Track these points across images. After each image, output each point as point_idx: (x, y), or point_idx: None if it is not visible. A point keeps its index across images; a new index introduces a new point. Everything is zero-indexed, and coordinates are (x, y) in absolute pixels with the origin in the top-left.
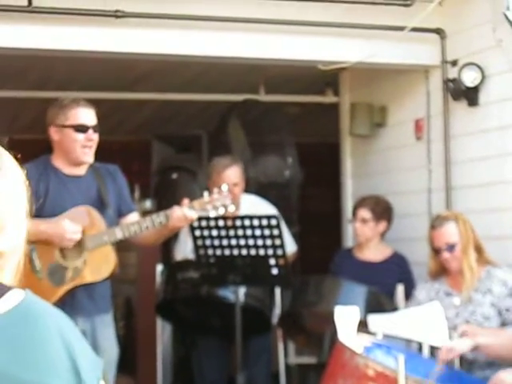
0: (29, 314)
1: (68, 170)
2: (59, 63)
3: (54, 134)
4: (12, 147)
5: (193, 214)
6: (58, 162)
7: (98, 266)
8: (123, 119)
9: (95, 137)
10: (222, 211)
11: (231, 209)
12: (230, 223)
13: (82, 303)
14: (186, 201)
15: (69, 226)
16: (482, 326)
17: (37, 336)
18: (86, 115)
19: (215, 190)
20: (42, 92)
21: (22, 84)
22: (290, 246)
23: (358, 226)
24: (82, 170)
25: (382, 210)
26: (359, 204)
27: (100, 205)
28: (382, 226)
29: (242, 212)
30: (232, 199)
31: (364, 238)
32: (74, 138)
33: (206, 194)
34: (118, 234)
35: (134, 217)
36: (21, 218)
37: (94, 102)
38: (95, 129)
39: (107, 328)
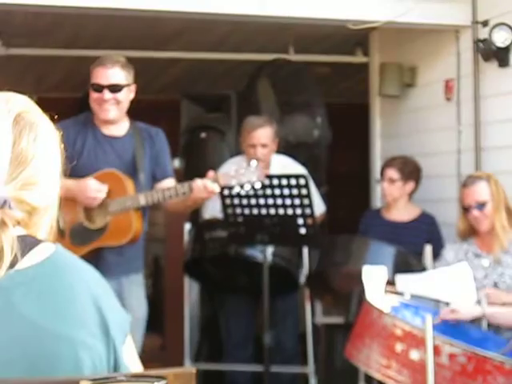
0: (59, 267)
1: (107, 129)
2: (88, 21)
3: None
4: (41, 106)
5: (215, 187)
6: (97, 119)
7: (119, 230)
8: (152, 78)
9: (109, 96)
10: (247, 187)
11: (257, 185)
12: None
13: (109, 263)
14: (211, 173)
15: (93, 184)
16: (511, 287)
17: (66, 288)
18: (103, 74)
19: (243, 164)
20: (70, 50)
21: (51, 42)
22: (319, 207)
23: (386, 186)
24: (121, 131)
25: (410, 171)
26: (387, 164)
27: (133, 168)
28: (410, 186)
29: (272, 172)
30: (258, 160)
31: (391, 197)
32: (92, 98)
33: (233, 168)
34: (142, 200)
35: (168, 183)
36: (54, 176)
37: None
38: (113, 88)
39: (136, 287)
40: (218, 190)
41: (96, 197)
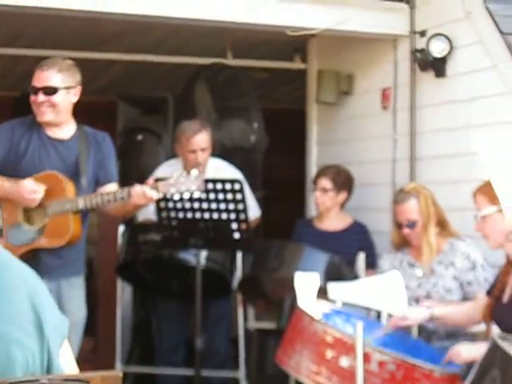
0: None
1: (52, 132)
2: (28, 20)
3: None
4: None
5: (154, 194)
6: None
7: (56, 233)
8: (89, 79)
9: (42, 98)
10: (186, 196)
11: (196, 195)
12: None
13: (48, 265)
14: (150, 180)
15: (30, 185)
16: (444, 298)
17: (3, 286)
18: (38, 77)
19: (183, 173)
20: (9, 49)
21: None
22: (254, 211)
23: (319, 196)
24: (66, 134)
25: (343, 181)
26: (320, 173)
27: (76, 172)
28: (343, 196)
29: (207, 175)
30: (197, 166)
31: (324, 207)
32: (31, 100)
33: (174, 174)
34: (80, 203)
35: (111, 187)
36: None
37: None
38: (47, 91)
39: (77, 290)
40: (156, 197)
41: (33, 198)
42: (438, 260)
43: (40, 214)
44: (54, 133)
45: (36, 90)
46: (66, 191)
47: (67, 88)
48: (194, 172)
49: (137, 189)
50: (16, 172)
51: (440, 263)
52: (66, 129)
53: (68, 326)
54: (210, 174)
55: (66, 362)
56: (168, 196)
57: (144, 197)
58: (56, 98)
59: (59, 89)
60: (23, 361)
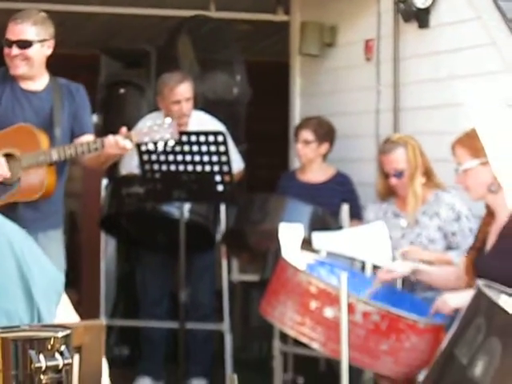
0: None
1: (25, 84)
2: None
3: None
4: None
5: (127, 144)
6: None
7: (31, 185)
8: (70, 32)
9: (16, 51)
10: (160, 145)
11: (170, 143)
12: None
13: (25, 218)
14: (123, 129)
15: None
16: (427, 248)
17: None
18: (13, 30)
19: (156, 122)
20: None
21: None
22: (237, 163)
23: (300, 148)
24: (39, 86)
25: (325, 132)
26: (301, 125)
27: (50, 123)
28: (325, 147)
29: (190, 128)
30: (182, 116)
31: (306, 159)
32: (4, 53)
33: (148, 123)
34: (54, 155)
35: (86, 139)
36: None
37: None
38: (21, 44)
39: (55, 243)
40: (130, 146)
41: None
42: (423, 210)
43: (14, 167)
44: (28, 85)
45: (10, 43)
46: (40, 143)
47: (41, 41)
48: (168, 120)
49: (110, 139)
50: None
51: (424, 214)
52: (39, 81)
53: (63, 280)
54: (193, 126)
55: (65, 318)
56: (142, 145)
57: (117, 146)
58: (30, 51)
59: (33, 42)
60: None
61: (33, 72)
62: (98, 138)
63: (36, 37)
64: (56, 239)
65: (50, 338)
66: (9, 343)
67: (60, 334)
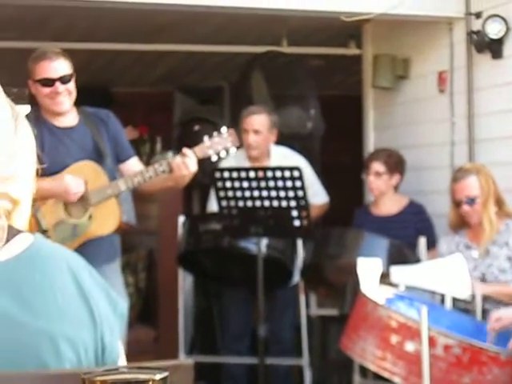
0: (38, 258)
1: (58, 121)
2: (80, 13)
3: (32, 87)
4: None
5: (192, 161)
6: (46, 114)
7: (105, 220)
8: (144, 71)
9: (62, 88)
10: (223, 154)
11: (232, 151)
12: (253, 175)
13: (90, 254)
14: (185, 149)
15: (71, 179)
16: (498, 279)
17: (47, 280)
18: (51, 67)
19: (215, 133)
20: (62, 43)
21: (42, 34)
22: (322, 197)
23: (373, 180)
24: (73, 120)
25: (395, 163)
26: (372, 157)
27: (97, 155)
28: (396, 178)
29: (272, 163)
30: (248, 148)
31: (378, 191)
32: (43, 92)
33: (205, 138)
34: (122, 186)
35: (133, 162)
36: (30, 171)
37: (115, 54)
38: (64, 79)
39: (114, 276)
40: (195, 163)
41: (76, 192)
42: (494, 240)
43: (81, 206)
44: (61, 122)
45: (51, 81)
46: (101, 177)
47: (73, 74)
48: (224, 129)
49: (177, 159)
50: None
51: (495, 244)
52: (70, 115)
53: (127, 307)
54: (275, 161)
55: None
56: (207, 157)
57: (184, 166)
58: (71, 85)
59: (72, 76)
60: (74, 356)
61: (71, 106)
62: (164, 161)
63: (70, 71)
64: (115, 271)
65: (148, 381)
66: None
67: (158, 377)
